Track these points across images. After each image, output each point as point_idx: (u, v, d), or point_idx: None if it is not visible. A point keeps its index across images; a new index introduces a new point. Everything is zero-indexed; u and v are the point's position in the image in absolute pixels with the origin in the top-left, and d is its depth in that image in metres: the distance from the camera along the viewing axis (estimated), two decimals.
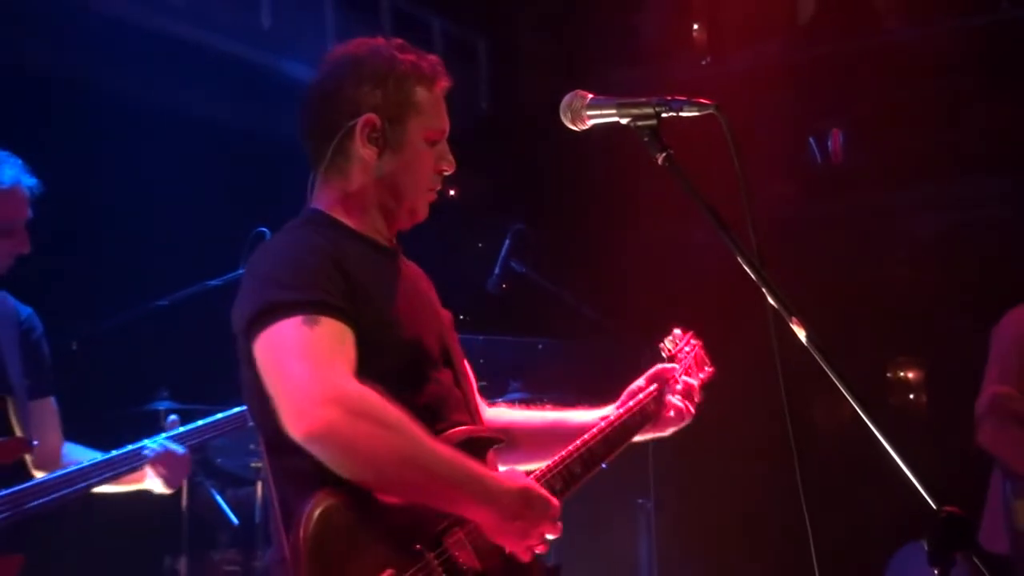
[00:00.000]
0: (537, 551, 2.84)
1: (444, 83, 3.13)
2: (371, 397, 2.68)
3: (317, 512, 2.65)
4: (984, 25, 9.00)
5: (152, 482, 4.32)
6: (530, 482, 2.88)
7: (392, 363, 2.90)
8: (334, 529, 2.66)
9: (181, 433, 4.41)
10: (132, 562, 5.74)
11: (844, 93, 8.82)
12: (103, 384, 5.62)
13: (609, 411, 3.42)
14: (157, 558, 5.63)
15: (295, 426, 2.66)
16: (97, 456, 4.29)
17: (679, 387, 3.51)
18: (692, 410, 3.50)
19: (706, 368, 3.66)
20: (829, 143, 8.71)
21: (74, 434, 4.58)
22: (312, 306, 2.75)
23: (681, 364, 3.58)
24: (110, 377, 5.65)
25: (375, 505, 2.71)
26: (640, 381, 3.51)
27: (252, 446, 5.18)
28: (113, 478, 4.26)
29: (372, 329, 2.86)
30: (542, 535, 2.83)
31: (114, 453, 4.27)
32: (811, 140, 8.77)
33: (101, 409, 5.48)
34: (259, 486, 5.68)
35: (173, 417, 4.49)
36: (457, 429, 2.97)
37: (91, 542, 4.93)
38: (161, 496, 4.51)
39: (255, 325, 2.77)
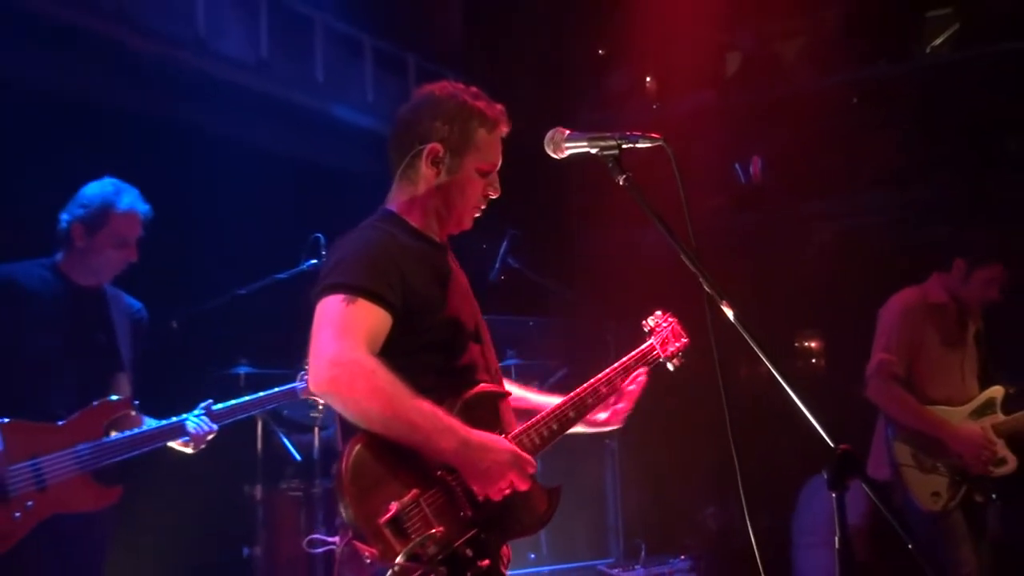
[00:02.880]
0: (506, 493, 2.76)
1: (505, 128, 3.10)
2: (370, 364, 2.67)
3: (356, 448, 2.67)
4: (867, 78, 9.05)
5: (180, 445, 4.34)
6: (499, 439, 2.82)
7: (437, 335, 2.91)
8: (369, 460, 2.67)
9: (214, 411, 4.41)
10: (219, 489, 5.74)
11: (762, 129, 8.81)
12: (197, 353, 5.60)
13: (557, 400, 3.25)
14: (238, 486, 5.62)
15: (311, 380, 2.70)
16: (154, 423, 4.29)
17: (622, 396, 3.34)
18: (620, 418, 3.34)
19: (682, 339, 3.55)
20: (750, 167, 8.69)
21: (174, 391, 4.58)
22: (355, 289, 2.75)
23: (658, 335, 3.50)
24: (202, 347, 5.63)
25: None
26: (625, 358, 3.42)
27: (311, 401, 5.13)
28: (164, 439, 4.28)
29: (420, 310, 2.86)
30: (509, 482, 2.75)
31: (165, 423, 4.29)
32: (736, 165, 8.75)
33: (195, 371, 5.48)
34: (316, 431, 5.66)
35: (208, 400, 4.46)
36: (478, 387, 2.94)
37: (187, 474, 4.92)
38: (242, 440, 4.52)
39: (318, 295, 2.79)
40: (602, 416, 3.32)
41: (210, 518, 5.84)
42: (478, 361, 3.02)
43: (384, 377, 2.66)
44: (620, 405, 3.33)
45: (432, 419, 2.69)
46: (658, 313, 3.59)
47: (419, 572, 2.58)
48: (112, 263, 4.29)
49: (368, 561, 2.61)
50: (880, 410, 5.32)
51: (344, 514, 2.63)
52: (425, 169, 3.00)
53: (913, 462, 5.15)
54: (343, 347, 2.67)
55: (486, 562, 2.71)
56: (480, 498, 2.75)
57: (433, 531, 2.63)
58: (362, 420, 2.68)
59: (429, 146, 2.98)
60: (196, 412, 4.36)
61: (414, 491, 2.66)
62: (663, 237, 2.66)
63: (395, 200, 3.07)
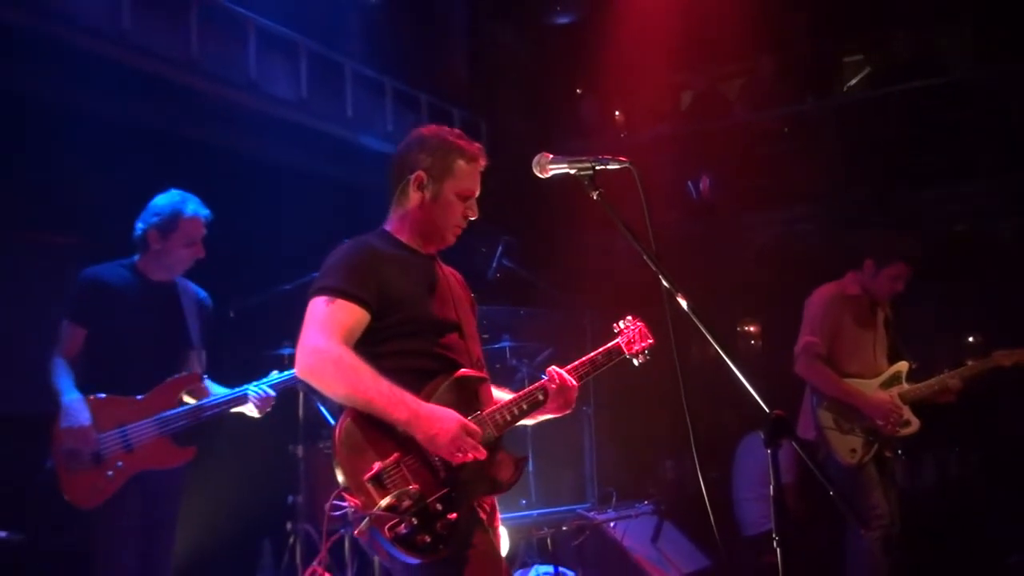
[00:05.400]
0: (466, 457, 2.71)
1: (482, 161, 3.08)
2: (337, 352, 2.70)
3: (348, 419, 2.69)
4: (796, 112, 9.07)
5: (248, 409, 4.28)
6: (448, 411, 2.75)
7: (417, 325, 2.90)
8: (358, 428, 2.68)
9: (273, 382, 4.37)
10: (268, 448, 5.73)
11: (710, 154, 8.81)
12: (250, 336, 5.57)
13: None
14: (284, 445, 5.62)
15: (295, 366, 2.74)
16: (223, 391, 4.27)
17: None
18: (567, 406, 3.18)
19: (648, 339, 3.46)
20: (701, 185, 8.69)
21: (231, 367, 4.57)
22: (334, 291, 2.79)
23: (624, 335, 3.42)
24: (254, 332, 5.60)
25: None
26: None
27: None
28: (230, 406, 4.25)
29: (397, 305, 2.86)
30: (459, 446, 2.69)
31: (231, 393, 4.25)
32: (689, 183, 8.75)
33: (249, 351, 5.47)
34: None
35: (275, 372, 4.41)
36: (463, 371, 2.93)
37: (243, 436, 4.91)
38: (286, 408, 4.48)
39: (309, 295, 2.84)
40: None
41: (261, 472, 5.84)
42: (460, 349, 2.98)
43: (348, 362, 2.69)
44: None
45: (388, 395, 2.67)
46: (628, 318, 3.51)
47: (394, 521, 2.57)
48: (183, 260, 4.28)
49: (352, 510, 2.60)
50: (807, 383, 5.32)
51: (336, 471, 2.64)
52: (412, 193, 3.00)
53: (834, 425, 5.16)
54: (319, 340, 2.71)
55: (454, 516, 2.68)
56: (453, 464, 2.72)
57: (409, 488, 2.62)
58: (332, 397, 2.72)
59: (415, 174, 2.99)
60: (257, 383, 4.31)
61: (395, 455, 2.66)
62: (630, 242, 2.66)
63: (390, 220, 3.08)
